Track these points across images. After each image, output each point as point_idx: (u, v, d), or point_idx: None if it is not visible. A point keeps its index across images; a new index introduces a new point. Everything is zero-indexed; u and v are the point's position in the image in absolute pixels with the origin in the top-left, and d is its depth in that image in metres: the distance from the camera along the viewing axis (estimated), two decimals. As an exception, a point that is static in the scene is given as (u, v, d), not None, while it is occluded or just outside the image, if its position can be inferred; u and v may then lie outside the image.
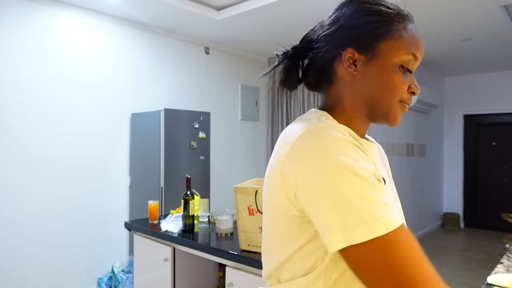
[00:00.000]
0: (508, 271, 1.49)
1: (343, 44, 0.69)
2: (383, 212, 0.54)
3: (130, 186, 3.63)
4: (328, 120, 0.68)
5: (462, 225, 6.52)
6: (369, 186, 0.55)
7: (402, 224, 0.55)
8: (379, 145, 0.86)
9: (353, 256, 0.54)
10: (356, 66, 0.69)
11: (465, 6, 3.30)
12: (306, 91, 4.58)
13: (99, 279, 3.36)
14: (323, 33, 0.72)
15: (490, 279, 1.38)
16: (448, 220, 6.45)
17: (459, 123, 6.54)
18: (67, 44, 3.20)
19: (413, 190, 5.45)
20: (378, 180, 0.59)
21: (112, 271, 3.34)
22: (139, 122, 3.58)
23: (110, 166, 3.50)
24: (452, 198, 6.61)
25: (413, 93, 0.70)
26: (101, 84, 3.43)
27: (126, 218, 3.59)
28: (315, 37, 0.74)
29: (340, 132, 0.60)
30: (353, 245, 0.53)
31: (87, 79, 3.33)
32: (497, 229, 5.95)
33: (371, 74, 0.68)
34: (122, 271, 3.31)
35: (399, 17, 0.69)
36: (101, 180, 3.43)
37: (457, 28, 3.90)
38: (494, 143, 6.29)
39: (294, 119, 4.81)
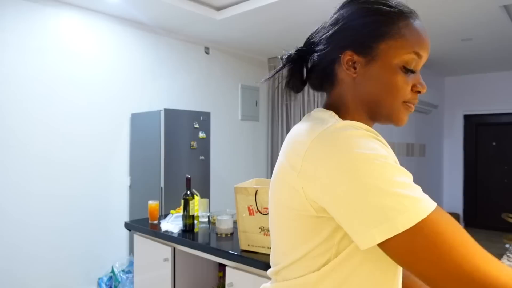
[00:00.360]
0: (508, 271, 1.49)
1: (342, 47, 0.68)
2: (420, 194, 0.53)
3: (130, 186, 3.63)
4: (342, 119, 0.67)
5: (462, 225, 6.51)
6: (397, 171, 0.54)
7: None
8: None
9: (397, 247, 0.51)
10: (355, 69, 0.68)
11: (465, 6, 3.30)
12: (306, 92, 4.60)
13: (99, 279, 3.36)
14: (324, 35, 0.72)
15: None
16: (448, 220, 6.45)
17: (459, 123, 6.54)
18: (67, 44, 3.20)
19: (413, 190, 5.43)
20: None
21: (112, 271, 3.34)
22: (139, 122, 3.58)
23: (110, 166, 3.50)
24: (452, 198, 6.62)
25: (418, 92, 0.68)
26: (101, 84, 3.43)
27: (126, 218, 3.59)
28: (317, 39, 0.74)
29: (357, 128, 0.59)
30: (395, 235, 0.50)
31: (87, 79, 3.33)
32: (497, 229, 5.95)
33: (372, 76, 0.67)
34: (122, 271, 3.31)
35: (400, 15, 0.66)
36: (101, 180, 3.43)
37: (457, 28, 3.90)
38: (494, 143, 6.29)
39: (294, 119, 4.81)
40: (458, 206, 6.55)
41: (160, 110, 3.33)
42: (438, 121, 6.48)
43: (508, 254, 1.71)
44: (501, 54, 4.96)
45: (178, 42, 4.10)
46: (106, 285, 3.32)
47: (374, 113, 0.70)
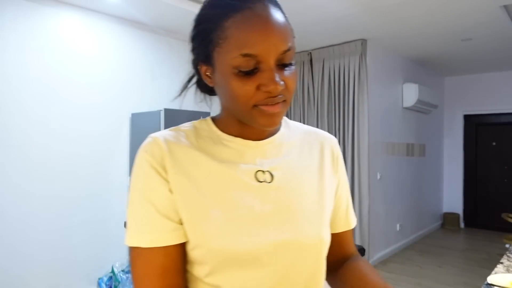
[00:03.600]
0: (508, 271, 1.49)
1: (195, 60, 0.70)
2: (131, 229, 0.65)
3: (130, 186, 3.63)
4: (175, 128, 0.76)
5: (462, 225, 6.52)
6: (136, 204, 0.66)
7: (150, 247, 0.63)
8: (325, 139, 0.80)
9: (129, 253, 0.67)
10: (211, 78, 0.66)
11: (465, 6, 3.30)
12: (306, 91, 4.54)
13: (99, 279, 3.36)
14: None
15: (490, 279, 1.38)
16: (448, 220, 6.45)
17: (459, 123, 6.54)
18: (67, 44, 3.20)
19: (413, 190, 5.44)
20: (170, 190, 0.64)
21: (112, 271, 3.34)
22: (139, 122, 3.58)
23: (110, 166, 3.49)
24: (452, 198, 6.62)
25: (268, 92, 0.58)
26: (101, 84, 3.43)
27: (126, 218, 3.58)
28: None
29: (148, 149, 0.70)
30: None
31: (87, 79, 3.33)
32: (497, 229, 5.95)
33: (218, 84, 0.64)
34: (122, 271, 3.32)
35: (225, 14, 0.58)
36: (101, 181, 3.42)
37: (457, 28, 3.90)
38: (494, 143, 6.29)
39: (294, 119, 4.80)
40: (458, 206, 6.55)
41: (160, 110, 3.33)
42: (438, 121, 6.48)
43: (508, 254, 1.71)
44: (501, 54, 4.96)
45: (178, 42, 4.10)
46: (106, 285, 3.32)
47: (238, 118, 0.67)
